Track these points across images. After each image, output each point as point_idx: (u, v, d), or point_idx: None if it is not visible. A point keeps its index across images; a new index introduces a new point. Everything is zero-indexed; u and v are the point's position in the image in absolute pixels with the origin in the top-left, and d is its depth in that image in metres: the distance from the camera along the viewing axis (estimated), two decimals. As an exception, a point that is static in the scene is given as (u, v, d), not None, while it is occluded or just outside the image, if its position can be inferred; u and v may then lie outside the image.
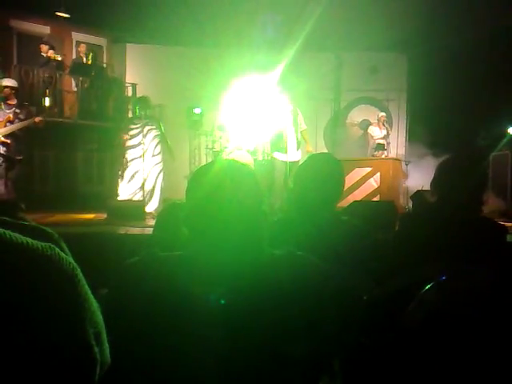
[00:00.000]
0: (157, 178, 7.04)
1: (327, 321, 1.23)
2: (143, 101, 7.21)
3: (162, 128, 7.10)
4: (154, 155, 7.00)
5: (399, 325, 1.58)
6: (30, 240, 0.68)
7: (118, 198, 7.03)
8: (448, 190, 2.17)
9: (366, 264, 2.01)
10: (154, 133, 7.03)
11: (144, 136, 6.92)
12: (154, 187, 7.03)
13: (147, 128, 6.97)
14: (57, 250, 0.71)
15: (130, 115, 8.26)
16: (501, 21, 8.06)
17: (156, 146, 7.03)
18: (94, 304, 0.74)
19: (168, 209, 2.45)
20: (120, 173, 7.08)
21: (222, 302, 1.12)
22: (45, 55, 9.12)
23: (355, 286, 1.76)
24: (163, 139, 7.09)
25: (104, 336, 0.75)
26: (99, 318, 0.75)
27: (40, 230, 0.79)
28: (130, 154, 7.02)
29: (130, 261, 1.23)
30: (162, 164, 7.11)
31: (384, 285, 1.84)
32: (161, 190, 7.09)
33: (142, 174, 6.93)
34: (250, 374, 1.12)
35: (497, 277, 1.68)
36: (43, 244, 0.69)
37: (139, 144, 6.94)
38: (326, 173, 2.14)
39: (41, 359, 0.64)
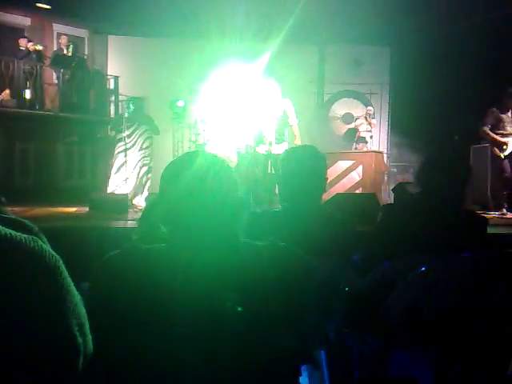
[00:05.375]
0: (144, 172, 7.03)
1: (310, 311, 1.24)
2: (137, 101, 7.22)
3: (155, 124, 7.15)
4: (141, 149, 7.00)
5: (380, 315, 1.60)
6: (13, 232, 0.68)
7: (108, 191, 7.01)
8: (431, 184, 2.20)
9: (348, 255, 2.02)
10: (144, 128, 7.04)
11: (133, 131, 6.96)
12: (140, 181, 7.03)
13: (136, 123, 7.00)
14: (40, 242, 0.71)
15: (121, 112, 8.24)
16: (482, 15, 8.13)
17: (144, 140, 7.04)
18: (77, 296, 0.74)
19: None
20: (112, 165, 7.09)
21: (204, 293, 1.13)
22: (24, 48, 8.97)
23: (338, 277, 1.78)
24: (153, 134, 7.12)
25: (87, 327, 0.76)
26: (82, 309, 0.75)
27: (20, 222, 0.79)
28: (117, 147, 7.03)
29: (111, 253, 1.22)
30: (149, 158, 7.08)
31: (366, 276, 1.86)
32: (146, 184, 7.08)
33: (125, 168, 6.93)
34: (235, 363, 1.13)
35: (477, 268, 1.71)
36: (26, 236, 0.69)
37: (126, 138, 6.94)
38: (310, 166, 2.13)
39: (25, 349, 0.64)
